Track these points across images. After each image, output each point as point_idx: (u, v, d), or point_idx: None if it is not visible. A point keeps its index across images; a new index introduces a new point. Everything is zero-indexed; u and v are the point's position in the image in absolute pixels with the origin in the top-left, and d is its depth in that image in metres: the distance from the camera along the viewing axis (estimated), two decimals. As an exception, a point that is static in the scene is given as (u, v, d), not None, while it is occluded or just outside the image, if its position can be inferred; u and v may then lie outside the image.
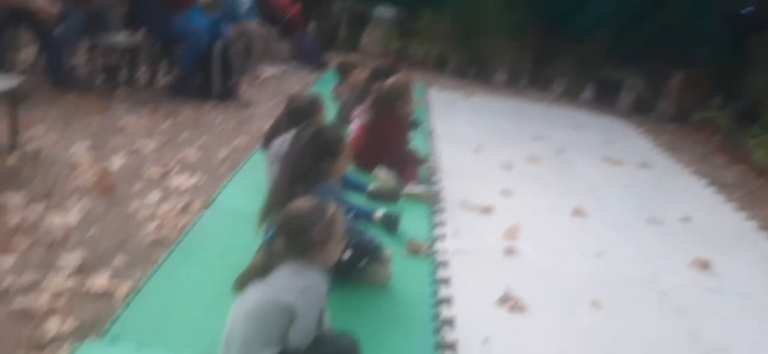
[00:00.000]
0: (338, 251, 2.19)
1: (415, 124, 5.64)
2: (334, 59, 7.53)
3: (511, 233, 3.72)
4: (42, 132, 4.15)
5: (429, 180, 4.35)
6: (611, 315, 3.01)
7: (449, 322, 2.70)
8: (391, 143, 4.23)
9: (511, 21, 8.64)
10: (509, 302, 2.94)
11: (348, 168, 2.97)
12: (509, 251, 3.49)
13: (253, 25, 7.06)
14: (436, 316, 2.72)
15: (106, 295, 2.51)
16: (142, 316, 2.38)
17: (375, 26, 10.70)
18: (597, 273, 3.43)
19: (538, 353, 2.66)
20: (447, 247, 3.41)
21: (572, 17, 8.34)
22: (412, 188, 3.98)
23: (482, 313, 2.84)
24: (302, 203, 2.18)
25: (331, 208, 2.16)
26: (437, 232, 3.59)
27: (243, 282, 2.10)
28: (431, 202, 3.96)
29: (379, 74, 4.91)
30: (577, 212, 4.25)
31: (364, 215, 3.48)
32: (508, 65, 9.47)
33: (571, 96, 8.75)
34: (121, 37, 5.56)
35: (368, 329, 2.50)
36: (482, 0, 8.66)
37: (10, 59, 5.46)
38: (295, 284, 2.03)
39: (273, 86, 6.63)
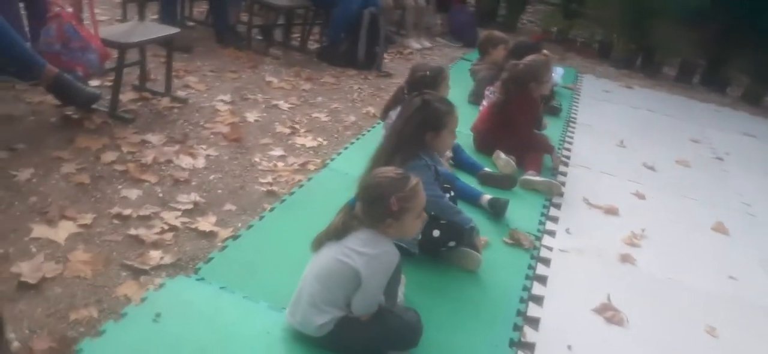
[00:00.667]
0: (416, 226, 2.16)
1: (555, 110, 5.39)
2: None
3: (633, 239, 3.43)
4: (195, 81, 4.54)
5: (554, 171, 4.13)
6: (726, 346, 2.67)
7: (534, 322, 2.56)
8: (518, 126, 4.05)
9: (687, 7, 7.81)
10: (609, 312, 2.71)
11: (452, 144, 2.90)
12: (625, 258, 3.22)
13: (410, -3, 7.12)
14: (521, 312, 2.59)
15: (209, 236, 2.70)
16: (233, 262, 2.53)
17: (537, 5, 10.31)
18: (721, 297, 3.06)
19: (628, 372, 2.45)
20: (554, 243, 3.23)
21: (764, 10, 7.36)
22: (531, 177, 3.80)
23: (574, 319, 2.66)
24: (385, 170, 2.18)
25: (414, 181, 2.13)
26: (548, 226, 3.41)
27: (320, 242, 2.15)
28: (550, 194, 3.75)
29: (517, 51, 4.73)
30: (718, 229, 3.80)
31: (471, 197, 3.40)
32: (680, 58, 8.65)
33: (751, 101, 7.77)
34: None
35: (445, 312, 2.47)
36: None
37: (188, 13, 6.06)
38: (365, 251, 2.04)
39: (419, 59, 6.64)
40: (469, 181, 3.62)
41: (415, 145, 2.68)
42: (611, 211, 3.73)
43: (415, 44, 7.16)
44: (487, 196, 3.39)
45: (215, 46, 5.51)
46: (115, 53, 3.62)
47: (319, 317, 2.07)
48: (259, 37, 5.95)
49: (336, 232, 2.11)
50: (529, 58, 4.19)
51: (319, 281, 2.09)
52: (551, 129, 4.98)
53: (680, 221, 3.85)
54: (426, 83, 3.45)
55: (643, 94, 7.15)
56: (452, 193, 3.02)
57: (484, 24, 8.67)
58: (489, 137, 4.13)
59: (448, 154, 3.77)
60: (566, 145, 4.78)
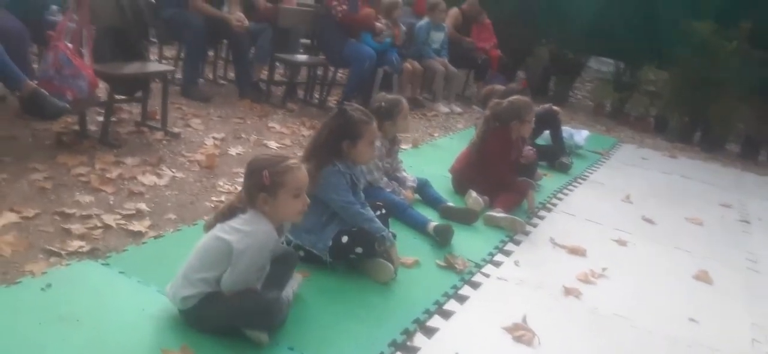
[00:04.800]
0: (292, 207, 2.25)
1: (564, 166, 5.36)
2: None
3: (588, 276, 3.32)
4: (198, 122, 4.92)
5: (530, 214, 4.09)
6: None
7: (430, 331, 2.55)
8: (493, 165, 4.09)
9: (751, 78, 7.52)
10: (520, 331, 2.64)
11: (371, 156, 2.99)
12: (570, 292, 3.12)
13: (437, 63, 7.37)
14: (419, 321, 2.59)
15: (136, 235, 2.92)
16: (145, 255, 2.73)
17: (587, 79, 10.27)
18: (670, 338, 2.88)
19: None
20: (495, 272, 3.19)
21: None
22: (495, 213, 3.80)
23: (477, 333, 2.61)
24: (265, 153, 2.33)
25: (291, 161, 2.26)
26: (497, 258, 3.38)
27: (209, 224, 2.31)
28: (512, 231, 3.73)
29: (505, 95, 4.78)
30: (701, 277, 3.59)
31: (418, 225, 3.46)
32: (743, 133, 8.28)
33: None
34: (302, 57, 6.31)
35: (338, 313, 2.54)
36: (716, 51, 7.70)
37: (223, 72, 6.59)
38: (242, 227, 2.18)
39: (437, 122, 6.80)
40: (432, 216, 3.67)
41: (330, 153, 2.82)
42: (576, 252, 3.64)
43: (443, 108, 7.34)
44: (433, 224, 3.42)
45: (236, 99, 5.94)
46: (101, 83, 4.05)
47: (187, 289, 2.19)
48: (283, 92, 6.35)
49: (223, 214, 2.27)
50: (514, 97, 4.26)
51: (197, 255, 2.22)
52: (551, 182, 4.95)
53: (657, 267, 3.68)
54: (381, 114, 3.61)
55: (686, 163, 6.90)
56: (383, 211, 3.10)
57: (535, 98, 8.72)
58: (465, 177, 4.18)
59: (410, 184, 3.86)
60: (560, 196, 4.72)
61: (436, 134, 6.23)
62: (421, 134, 6.11)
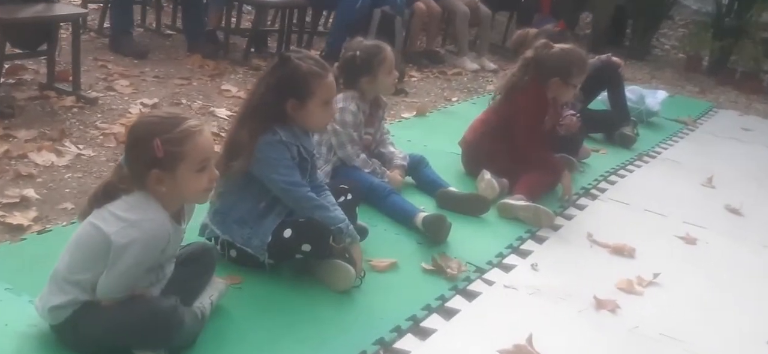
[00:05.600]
0: (196, 186, 2.24)
1: (626, 139, 5.32)
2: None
3: (633, 285, 3.30)
4: (125, 84, 4.98)
5: (564, 203, 4.09)
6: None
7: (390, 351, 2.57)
8: (517, 131, 4.06)
9: None
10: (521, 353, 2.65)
11: (321, 120, 2.97)
12: (604, 305, 3.10)
13: (463, 2, 7.35)
14: (383, 341, 2.59)
15: (16, 230, 2.97)
16: (19, 255, 2.78)
17: (679, 22, 10.16)
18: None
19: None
20: (502, 278, 3.19)
21: None
22: (513, 201, 3.79)
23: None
24: (156, 111, 2.33)
25: (189, 123, 2.24)
26: (508, 259, 3.38)
27: (84, 211, 2.32)
28: (535, 224, 3.72)
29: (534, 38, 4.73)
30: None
31: (404, 217, 3.47)
32: None
33: None
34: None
35: (272, 330, 2.56)
36: None
37: (170, 20, 6.67)
38: (126, 215, 2.17)
39: (459, 83, 6.77)
40: (428, 205, 3.69)
41: (269, 116, 2.81)
42: (622, 252, 3.62)
43: (470, 64, 7.32)
44: (423, 214, 3.43)
45: (183, 54, 6.01)
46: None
47: (57, 297, 2.21)
48: (249, 45, 6.39)
49: (99, 195, 2.27)
50: (569, 46, 4.23)
51: (68, 251, 2.24)
52: (604, 160, 4.92)
53: (735, 272, 3.65)
54: (355, 67, 3.62)
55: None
56: (349, 197, 3.11)
57: (600, 47, 8.63)
58: (480, 151, 4.16)
59: (399, 162, 3.87)
60: (613, 178, 4.71)
61: (454, 98, 6.23)
62: (433, 98, 6.11)
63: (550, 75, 4.08)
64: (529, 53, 4.22)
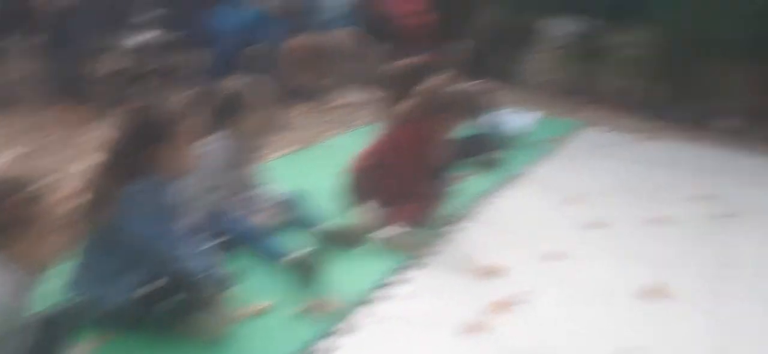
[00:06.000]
0: (46, 250, 2.21)
1: (488, 163, 5.45)
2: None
3: (502, 306, 3.41)
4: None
5: (437, 228, 4.18)
6: None
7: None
8: (402, 163, 4.11)
9: (751, 38, 7.80)
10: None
11: (185, 165, 2.94)
12: (475, 327, 3.19)
13: (338, 36, 7.41)
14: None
15: None
16: None
17: (545, 48, 10.47)
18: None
19: None
20: (378, 310, 3.23)
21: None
22: (389, 232, 3.85)
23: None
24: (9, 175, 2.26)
25: (39, 185, 2.20)
26: (382, 291, 3.44)
27: None
28: (408, 252, 3.81)
29: (418, 71, 4.81)
30: (657, 292, 3.73)
31: (273, 259, 3.46)
32: (741, 106, 8.59)
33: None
34: (146, 37, 6.22)
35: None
36: (709, 3, 8.03)
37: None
38: None
39: (337, 117, 6.84)
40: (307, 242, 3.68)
41: (130, 165, 2.76)
42: (494, 273, 3.74)
43: (348, 98, 7.36)
44: (291, 255, 3.43)
45: (47, 101, 5.82)
46: None
47: None
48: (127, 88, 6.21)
49: None
50: (466, 86, 4.37)
51: None
52: (472, 184, 5.05)
53: (601, 283, 3.82)
54: (227, 107, 3.62)
55: (665, 147, 7.13)
56: (221, 240, 3.10)
57: (474, 73, 8.84)
58: (365, 180, 4.17)
59: (273, 201, 3.87)
60: (483, 201, 4.87)
61: (333, 132, 6.27)
62: (312, 134, 6.13)
63: (440, 111, 4.19)
64: (422, 88, 4.30)
